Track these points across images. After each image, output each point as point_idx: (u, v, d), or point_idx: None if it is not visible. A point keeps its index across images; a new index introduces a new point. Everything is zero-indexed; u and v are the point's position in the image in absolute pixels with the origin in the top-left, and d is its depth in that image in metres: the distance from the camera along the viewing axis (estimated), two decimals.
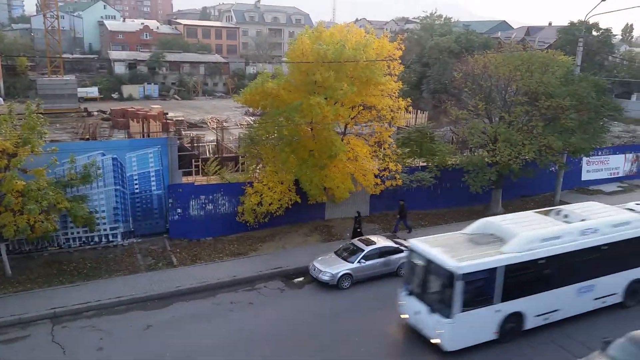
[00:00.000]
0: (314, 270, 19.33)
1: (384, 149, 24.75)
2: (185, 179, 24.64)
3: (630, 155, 33.78)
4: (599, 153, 31.55)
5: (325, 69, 20.74)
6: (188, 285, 18.68)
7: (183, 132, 43.13)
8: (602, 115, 26.67)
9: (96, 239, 21.49)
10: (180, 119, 51.31)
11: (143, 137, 38.65)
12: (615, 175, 33.15)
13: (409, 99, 24.66)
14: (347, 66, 21.21)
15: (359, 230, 22.73)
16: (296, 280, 19.77)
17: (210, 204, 22.88)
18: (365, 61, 21.31)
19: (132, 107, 53.31)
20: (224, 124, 44.91)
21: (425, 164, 26.69)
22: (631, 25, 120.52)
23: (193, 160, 28.03)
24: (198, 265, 20.36)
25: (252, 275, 19.64)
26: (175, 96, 76.56)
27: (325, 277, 18.85)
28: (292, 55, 22.97)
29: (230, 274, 19.57)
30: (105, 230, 21.54)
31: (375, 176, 23.48)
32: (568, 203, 28.22)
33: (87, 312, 16.89)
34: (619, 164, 33.30)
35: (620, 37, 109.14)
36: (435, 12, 73.59)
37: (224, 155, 31.69)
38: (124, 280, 18.91)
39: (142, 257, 20.84)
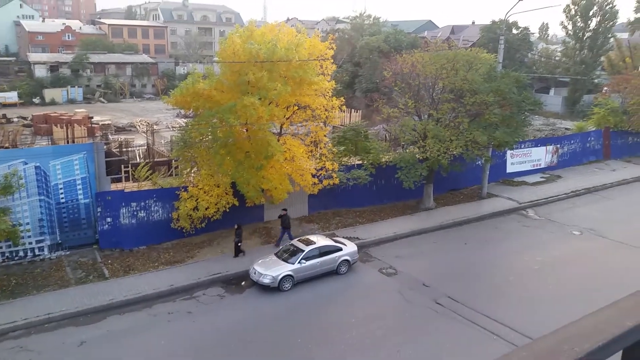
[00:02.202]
0: (255, 273, 19.12)
1: (320, 148, 24.92)
2: (114, 186, 23.62)
3: (550, 147, 35.91)
4: (522, 146, 33.26)
5: (258, 69, 20.56)
6: (122, 297, 17.91)
7: (110, 137, 41.34)
8: (524, 110, 28.13)
9: (21, 254, 20.17)
10: (107, 122, 49.18)
11: (67, 143, 36.70)
12: (538, 167, 35.07)
13: (342, 98, 24.94)
14: (280, 66, 21.13)
15: (239, 244, 21.27)
16: (236, 285, 19.48)
17: (142, 211, 22.07)
18: (298, 61, 21.32)
19: (55, 112, 50.55)
20: (155, 126, 43.46)
21: (360, 162, 27.11)
22: (547, 24, 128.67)
23: (122, 166, 26.96)
24: (132, 276, 19.57)
25: (189, 283, 19.13)
26: (101, 99, 73.28)
27: (266, 280, 18.70)
28: (223, 54, 22.59)
29: (167, 283, 18.96)
30: (30, 243, 20.27)
31: (313, 176, 23.56)
32: (495, 195, 29.88)
33: (14, 332, 15.81)
34: (541, 155, 35.30)
35: (538, 35, 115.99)
36: (364, 12, 74.95)
37: (156, 159, 30.69)
38: (53, 295, 17.86)
39: (71, 270, 19.77)
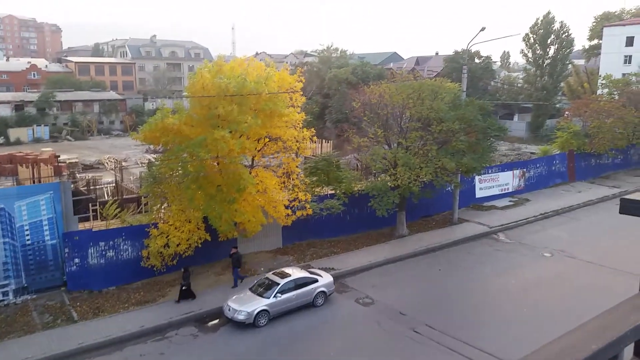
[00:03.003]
0: (229, 310, 18.69)
1: (293, 179, 24.92)
2: (82, 226, 23.01)
3: (517, 172, 36.77)
4: (490, 171, 33.98)
5: (227, 103, 20.61)
6: (92, 340, 17.23)
7: (78, 175, 40.46)
8: (489, 136, 28.88)
9: None
10: (74, 161, 48.19)
11: (33, 183, 35.74)
12: (506, 191, 35.79)
13: (313, 129, 25.17)
14: (250, 99, 21.24)
15: (184, 288, 20.17)
16: (210, 323, 19.00)
17: (111, 251, 21.50)
18: (267, 93, 21.48)
19: (20, 152, 49.32)
20: (123, 163, 42.82)
21: (333, 191, 27.19)
22: (508, 52, 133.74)
23: (90, 205, 26.31)
24: (101, 318, 18.90)
25: (161, 323, 18.56)
26: (68, 137, 72.01)
27: (241, 317, 18.29)
28: (192, 89, 22.60)
29: (138, 324, 18.36)
30: None
31: (286, 207, 23.47)
32: (466, 220, 30.25)
33: None
34: (508, 180, 36.09)
35: (500, 63, 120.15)
36: (331, 46, 76.57)
37: (125, 196, 30.12)
38: (19, 342, 17.06)
39: (38, 314, 18.97)
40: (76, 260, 20.74)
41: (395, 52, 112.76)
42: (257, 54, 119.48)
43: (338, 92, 56.17)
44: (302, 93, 24.97)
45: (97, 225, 24.02)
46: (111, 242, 21.49)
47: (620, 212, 2.68)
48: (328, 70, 62.94)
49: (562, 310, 18.50)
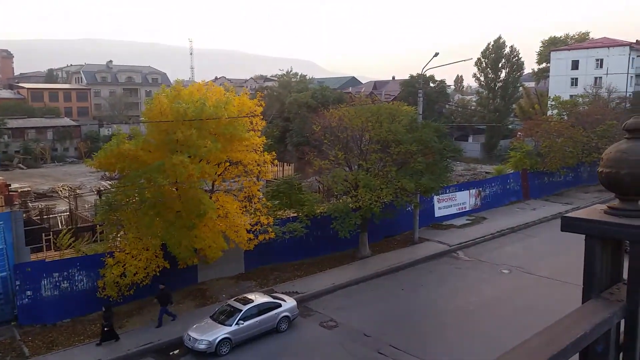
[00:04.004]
0: (189, 340, 18.16)
1: (254, 203, 24.75)
2: (34, 256, 22.10)
3: (473, 191, 37.74)
4: (447, 191, 34.76)
5: (186, 127, 20.41)
6: None
7: (30, 204, 38.97)
8: (445, 157, 29.62)
9: None
10: (26, 189, 46.39)
11: None
12: (464, 210, 36.61)
13: (274, 153, 25.17)
14: (210, 123, 21.12)
15: (106, 329, 18.62)
16: (171, 354, 18.39)
17: (65, 282, 20.66)
18: (227, 118, 21.41)
19: None
20: (77, 191, 41.55)
21: (295, 214, 27.14)
22: (461, 76, 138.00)
23: (43, 234, 25.33)
24: (55, 352, 18.03)
25: (119, 355, 17.87)
26: (20, 165, 69.48)
27: (202, 346, 17.81)
28: (149, 114, 22.32)
29: (94, 357, 17.61)
30: None
31: (248, 231, 23.22)
32: (427, 239, 30.69)
33: None
34: (466, 199, 36.95)
35: (454, 87, 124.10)
36: (291, 71, 77.36)
37: (79, 225, 29.14)
38: None
39: None
40: (28, 292, 19.81)
41: (353, 77, 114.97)
42: (216, 78, 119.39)
43: (298, 116, 56.61)
44: (262, 117, 25.04)
45: (51, 255, 23.12)
46: (65, 273, 20.67)
47: (561, 230, 2.79)
48: (288, 94, 63.50)
49: (523, 326, 18.85)
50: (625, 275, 2.69)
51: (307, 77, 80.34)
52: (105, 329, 18.61)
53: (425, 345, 18.21)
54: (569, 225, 2.69)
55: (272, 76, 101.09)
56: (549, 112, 56.72)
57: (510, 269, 26.14)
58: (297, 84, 71.22)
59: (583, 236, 2.69)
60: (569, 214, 2.74)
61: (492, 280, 24.86)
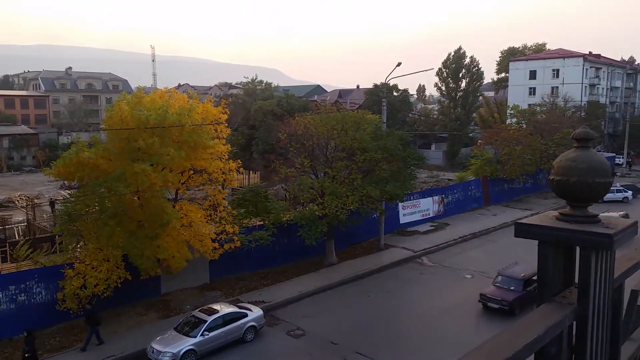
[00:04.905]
0: (153, 352, 17.76)
1: (219, 211, 24.47)
2: None
3: (436, 197, 38.43)
4: (411, 198, 35.27)
5: (148, 135, 20.07)
6: None
7: None
8: (409, 164, 30.07)
9: None
10: None
11: None
12: (427, 216, 37.21)
13: (239, 161, 25.00)
14: (173, 131, 20.82)
15: (27, 355, 17.20)
16: None
17: (22, 294, 19.92)
18: (191, 125, 21.17)
19: None
20: (35, 200, 40.16)
21: (262, 222, 26.99)
22: (423, 85, 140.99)
23: None
24: None
25: None
26: None
27: (166, 358, 17.44)
28: (110, 122, 21.85)
29: None
30: None
31: (213, 240, 22.92)
32: (392, 245, 31.01)
33: None
34: (429, 206, 37.59)
35: (416, 96, 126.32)
36: (256, 78, 77.10)
37: (37, 236, 28.19)
38: None
39: None
40: None
41: (318, 85, 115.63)
42: (179, 85, 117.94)
43: (264, 124, 56.39)
44: (227, 125, 24.88)
45: (7, 267, 22.25)
46: (22, 285, 19.94)
47: (515, 236, 2.90)
48: (253, 102, 63.19)
49: (486, 330, 19.29)
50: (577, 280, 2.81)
51: (273, 85, 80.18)
52: (27, 355, 17.18)
53: (392, 351, 18.37)
54: (523, 231, 2.79)
55: (237, 83, 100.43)
56: (508, 121, 58.43)
57: (472, 274, 26.69)
58: (263, 92, 71.01)
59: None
60: (522, 220, 2.85)
61: (455, 285, 25.31)
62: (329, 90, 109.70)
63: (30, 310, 20.00)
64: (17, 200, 45.51)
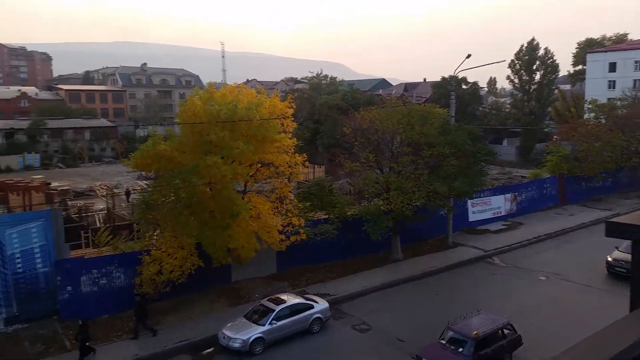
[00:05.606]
0: (224, 338, 18.39)
1: (286, 204, 24.89)
2: (74, 253, 22.73)
3: (509, 195, 36.97)
4: (482, 195, 34.11)
5: (219, 129, 20.69)
6: None
7: (69, 203, 40.11)
8: (479, 160, 29.13)
9: None
10: (65, 188, 47.81)
11: (25, 210, 35.34)
12: (499, 215, 35.86)
13: (304, 155, 25.24)
14: (242, 125, 21.33)
15: (87, 343, 17.57)
16: (205, 352, 18.63)
17: (104, 278, 21.21)
18: (259, 120, 21.60)
19: (10, 179, 48.83)
20: (115, 190, 42.58)
21: (326, 216, 27.15)
22: (494, 78, 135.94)
23: (82, 232, 26.07)
24: (94, 347, 18.47)
25: (155, 352, 18.23)
26: (60, 164, 71.65)
27: (236, 345, 18.00)
28: (183, 116, 22.71)
29: (131, 353, 18.02)
30: None
31: (280, 232, 23.35)
32: (461, 244, 30.23)
33: None
34: (500, 203, 36.24)
35: (487, 89, 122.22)
36: (321, 73, 77.46)
37: (117, 223, 29.86)
38: None
39: (30, 344, 18.56)
40: (68, 288, 20.42)
41: (383, 79, 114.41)
42: (247, 80, 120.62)
43: (329, 118, 56.57)
44: (293, 119, 25.16)
45: (89, 252, 23.74)
46: (103, 270, 21.22)
47: (606, 235, 2.72)
48: (318, 96, 63.55)
49: (562, 336, 18.40)
50: None
51: (337, 80, 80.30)
52: (86, 343, 17.64)
53: None
54: (615, 230, 2.62)
55: (302, 78, 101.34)
56: (586, 116, 55.24)
57: (547, 276, 25.54)
58: (327, 86, 71.27)
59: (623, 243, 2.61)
60: (615, 219, 2.68)
61: (528, 286, 24.32)
62: (394, 84, 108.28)
63: (111, 294, 21.26)
64: (98, 190, 48.48)
